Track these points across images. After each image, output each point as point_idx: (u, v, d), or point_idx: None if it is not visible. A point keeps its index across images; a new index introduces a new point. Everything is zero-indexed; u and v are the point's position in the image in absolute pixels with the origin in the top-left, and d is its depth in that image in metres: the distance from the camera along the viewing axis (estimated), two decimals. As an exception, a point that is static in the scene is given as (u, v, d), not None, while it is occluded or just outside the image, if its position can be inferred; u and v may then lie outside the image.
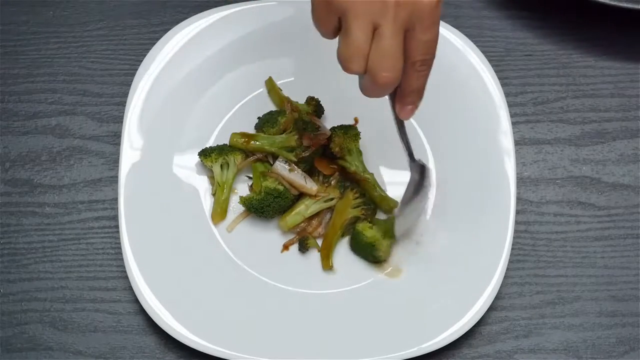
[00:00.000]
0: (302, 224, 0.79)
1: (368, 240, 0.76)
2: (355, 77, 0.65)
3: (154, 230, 0.77)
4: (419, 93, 0.66)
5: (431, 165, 0.81)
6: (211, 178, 0.80)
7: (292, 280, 0.77)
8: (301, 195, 0.79)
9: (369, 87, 0.63)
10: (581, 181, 0.83)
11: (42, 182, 0.81)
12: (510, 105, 0.82)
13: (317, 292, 0.77)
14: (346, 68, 0.62)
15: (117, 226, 0.77)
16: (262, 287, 0.77)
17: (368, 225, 0.77)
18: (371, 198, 0.79)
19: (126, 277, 0.75)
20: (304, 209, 0.78)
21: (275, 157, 0.79)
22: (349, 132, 0.80)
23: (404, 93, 0.65)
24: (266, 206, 0.77)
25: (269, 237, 0.79)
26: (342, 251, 0.79)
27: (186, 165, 0.81)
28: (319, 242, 0.79)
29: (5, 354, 0.75)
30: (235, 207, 0.80)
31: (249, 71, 0.84)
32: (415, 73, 0.64)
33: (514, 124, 0.82)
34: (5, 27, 0.88)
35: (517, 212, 0.79)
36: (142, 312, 0.75)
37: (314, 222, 0.79)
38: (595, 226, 0.81)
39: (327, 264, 0.77)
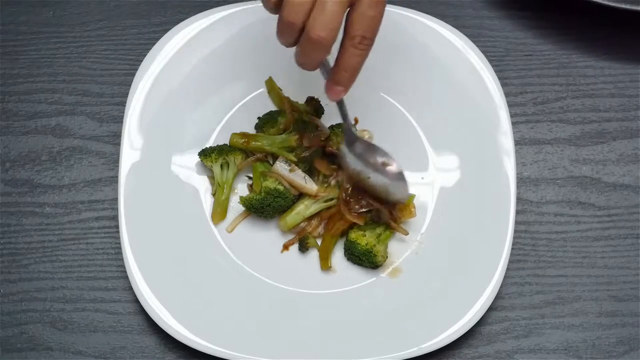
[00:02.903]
0: (302, 224, 0.79)
1: (364, 249, 0.76)
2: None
3: (154, 230, 0.77)
4: (352, 74, 0.65)
5: (431, 165, 0.81)
6: (211, 178, 0.80)
7: (292, 280, 0.77)
8: (301, 195, 0.79)
9: (302, 46, 0.63)
10: (581, 181, 0.82)
11: (42, 182, 0.81)
12: (510, 105, 0.82)
13: (317, 292, 0.77)
14: (283, 21, 0.62)
15: (117, 226, 0.77)
16: (262, 287, 0.77)
17: (360, 234, 0.77)
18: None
19: (126, 277, 0.75)
20: (304, 209, 0.78)
21: (275, 157, 0.79)
22: (348, 130, 0.80)
23: (338, 69, 0.65)
24: (266, 206, 0.77)
25: (269, 237, 0.79)
26: (342, 251, 0.79)
27: (186, 165, 0.81)
28: (319, 242, 0.79)
29: (5, 354, 0.75)
30: (235, 207, 0.80)
31: (249, 71, 0.83)
32: (353, 49, 0.63)
33: (514, 124, 0.82)
34: (5, 27, 0.88)
35: (517, 212, 0.79)
36: (142, 312, 0.75)
37: (314, 222, 0.79)
38: (595, 226, 0.81)
39: (325, 264, 0.77)
